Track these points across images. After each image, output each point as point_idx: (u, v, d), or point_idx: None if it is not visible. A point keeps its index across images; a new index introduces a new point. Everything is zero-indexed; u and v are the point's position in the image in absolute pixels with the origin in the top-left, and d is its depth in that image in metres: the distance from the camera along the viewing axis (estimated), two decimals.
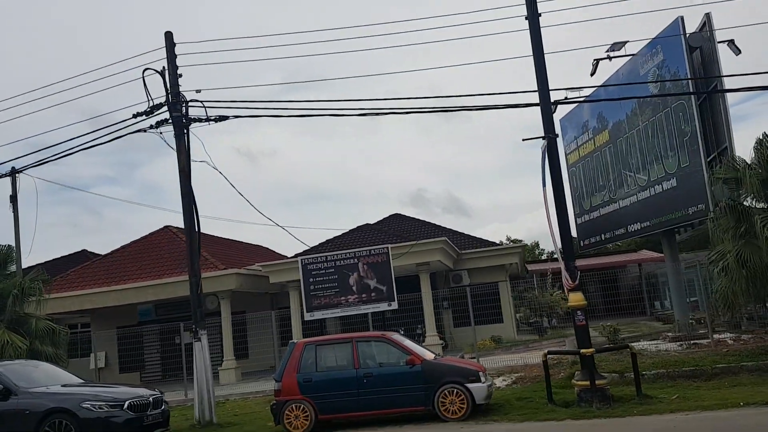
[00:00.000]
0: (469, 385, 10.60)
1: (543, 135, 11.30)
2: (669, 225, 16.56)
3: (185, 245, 25.35)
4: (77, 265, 28.40)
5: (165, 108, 13.54)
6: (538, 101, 11.45)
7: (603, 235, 19.99)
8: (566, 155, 21.79)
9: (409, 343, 11.49)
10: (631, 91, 17.19)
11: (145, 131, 13.64)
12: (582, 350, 10.64)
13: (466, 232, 28.53)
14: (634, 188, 17.93)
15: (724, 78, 14.62)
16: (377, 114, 13.73)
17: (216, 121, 13.76)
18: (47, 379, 11.23)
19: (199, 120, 13.68)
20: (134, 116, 13.60)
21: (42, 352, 15.47)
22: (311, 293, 14.94)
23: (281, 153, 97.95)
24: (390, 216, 31.44)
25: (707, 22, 15.08)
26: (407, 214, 32.66)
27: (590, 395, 10.39)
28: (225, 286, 22.82)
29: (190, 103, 13.63)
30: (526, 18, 11.69)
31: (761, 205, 12.50)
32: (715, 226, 12.69)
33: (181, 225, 27.97)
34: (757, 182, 12.05)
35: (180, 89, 13.64)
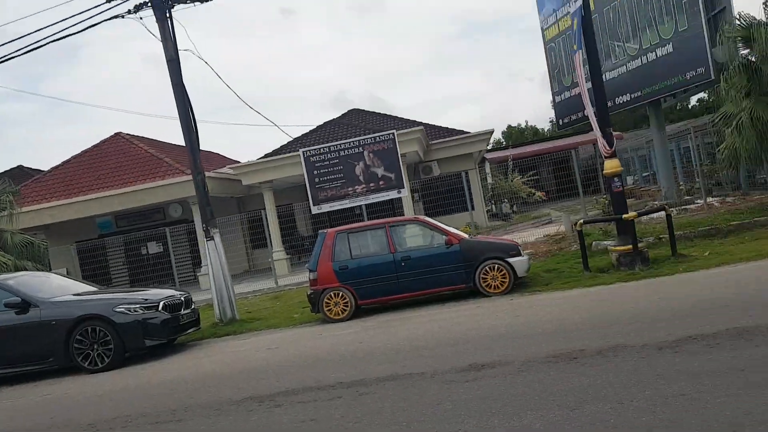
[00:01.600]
0: (510, 260, 10.53)
1: None
2: (664, 92, 16.57)
3: (140, 150, 24.08)
4: (16, 181, 26.32)
5: None
6: None
7: (585, 111, 19.91)
8: (543, 30, 21.26)
9: (441, 224, 11.25)
10: None
11: (122, 17, 12.15)
12: (624, 215, 10.66)
13: (428, 122, 28.03)
14: (623, 58, 17.73)
15: None
16: None
17: (202, 1, 12.42)
18: (61, 289, 10.36)
19: (184, 1, 12.30)
20: (108, 0, 12.04)
21: (23, 268, 14.37)
22: (316, 186, 14.18)
23: (193, 58, 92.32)
24: (349, 111, 30.57)
25: None
26: (365, 108, 31.87)
27: (631, 259, 10.51)
28: (193, 191, 21.78)
29: None
30: None
31: None
32: (729, 86, 12.69)
33: (132, 132, 26.41)
34: None
35: None
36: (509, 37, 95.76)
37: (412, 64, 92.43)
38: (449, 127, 27.36)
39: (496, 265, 10.48)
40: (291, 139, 24.76)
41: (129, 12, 12.19)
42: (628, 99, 17.86)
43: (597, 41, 18.50)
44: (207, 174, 21.57)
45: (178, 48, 12.48)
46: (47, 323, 9.36)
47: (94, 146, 25.31)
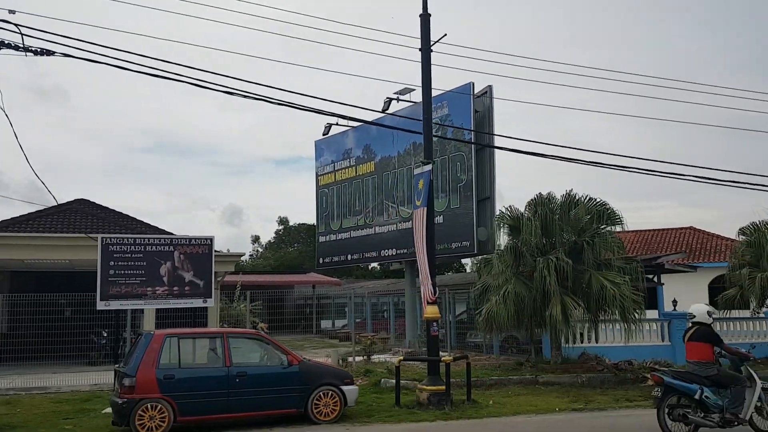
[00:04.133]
0: (344, 387, 10.61)
1: (426, 161, 12.34)
2: None
3: None
4: None
5: None
6: None
7: (350, 256, 21.51)
8: (318, 176, 22.87)
9: (280, 343, 10.90)
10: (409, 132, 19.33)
11: None
12: (444, 358, 11.75)
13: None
14: (395, 218, 19.99)
15: (495, 138, 17.89)
16: None
17: (36, 54, 10.85)
18: None
19: (15, 48, 10.65)
20: None
21: None
22: (109, 279, 12.27)
23: None
24: (76, 200, 27.55)
25: (489, 91, 18.22)
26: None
27: (440, 399, 11.45)
28: None
29: None
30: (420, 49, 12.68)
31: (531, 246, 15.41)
32: (500, 261, 15.33)
33: None
34: (539, 232, 15.10)
35: None
36: (198, 165, 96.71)
37: (85, 163, 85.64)
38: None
39: (330, 392, 10.44)
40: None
41: None
42: (394, 254, 19.99)
43: (373, 199, 20.82)
44: None
45: None
46: None
47: None
